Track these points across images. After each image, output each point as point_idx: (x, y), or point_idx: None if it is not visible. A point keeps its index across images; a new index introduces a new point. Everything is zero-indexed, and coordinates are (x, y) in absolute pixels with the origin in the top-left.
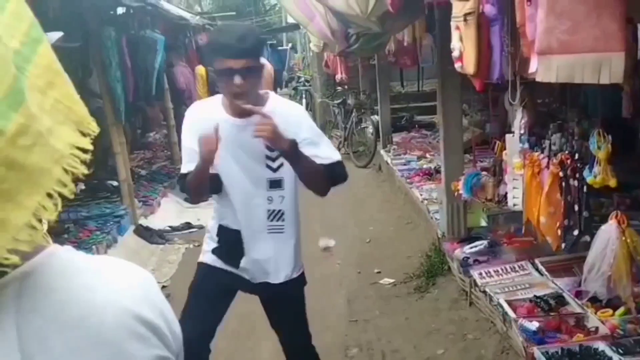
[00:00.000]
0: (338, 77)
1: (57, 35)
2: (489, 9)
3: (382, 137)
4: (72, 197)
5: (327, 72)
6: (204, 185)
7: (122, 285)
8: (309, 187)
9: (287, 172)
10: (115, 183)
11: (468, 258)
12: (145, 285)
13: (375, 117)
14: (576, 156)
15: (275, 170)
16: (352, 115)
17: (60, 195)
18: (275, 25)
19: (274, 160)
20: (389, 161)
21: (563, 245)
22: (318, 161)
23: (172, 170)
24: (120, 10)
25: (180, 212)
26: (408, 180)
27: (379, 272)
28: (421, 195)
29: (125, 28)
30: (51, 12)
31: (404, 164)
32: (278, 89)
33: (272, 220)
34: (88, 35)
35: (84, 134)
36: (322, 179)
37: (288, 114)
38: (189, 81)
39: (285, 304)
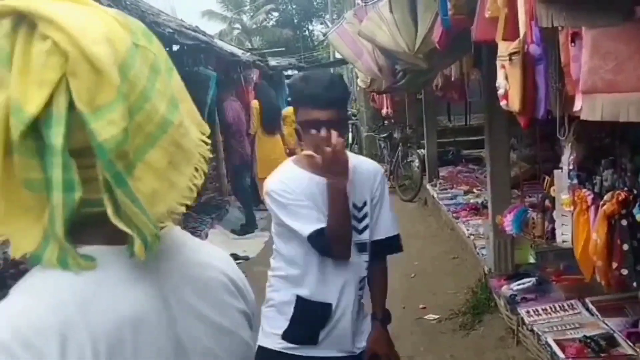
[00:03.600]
0: (384, 111)
1: None
2: (534, 49)
3: (428, 171)
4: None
5: (373, 106)
6: (346, 216)
7: (217, 254)
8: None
9: (369, 235)
10: None
11: (515, 295)
12: (230, 259)
13: (422, 151)
14: (634, 192)
15: (360, 232)
16: (398, 149)
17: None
18: (324, 60)
19: (360, 220)
20: (435, 195)
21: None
22: (389, 234)
23: (220, 202)
24: (175, 47)
25: (226, 243)
26: (454, 215)
27: (424, 308)
28: (467, 230)
29: (180, 64)
30: None
31: (451, 199)
32: None
33: (360, 289)
34: None
35: (202, 134)
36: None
37: (372, 171)
38: (237, 115)
39: None
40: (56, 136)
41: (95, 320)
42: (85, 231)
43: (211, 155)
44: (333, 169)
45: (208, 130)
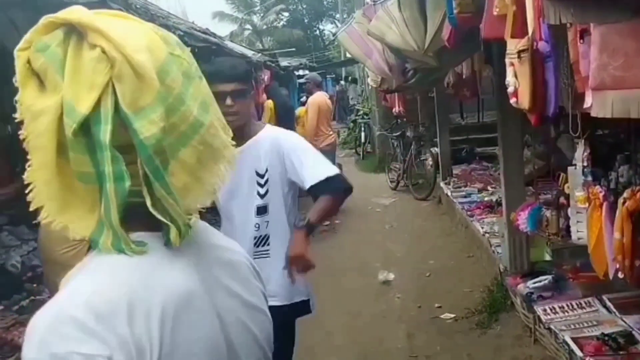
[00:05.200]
0: (396, 110)
1: None
2: (543, 46)
3: (441, 170)
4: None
5: (385, 105)
6: None
7: (234, 242)
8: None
9: (272, 198)
10: None
11: (532, 293)
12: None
13: (435, 149)
14: None
15: (263, 195)
16: (411, 148)
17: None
18: (335, 59)
19: (262, 186)
20: (449, 194)
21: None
22: (318, 179)
23: None
24: None
25: None
26: (469, 213)
27: (439, 307)
28: (482, 228)
29: None
30: None
31: (465, 197)
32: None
33: (258, 247)
34: None
35: (227, 136)
36: (335, 207)
37: (277, 140)
38: (254, 116)
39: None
40: (104, 133)
41: (154, 293)
42: (130, 219)
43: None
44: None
45: (231, 133)
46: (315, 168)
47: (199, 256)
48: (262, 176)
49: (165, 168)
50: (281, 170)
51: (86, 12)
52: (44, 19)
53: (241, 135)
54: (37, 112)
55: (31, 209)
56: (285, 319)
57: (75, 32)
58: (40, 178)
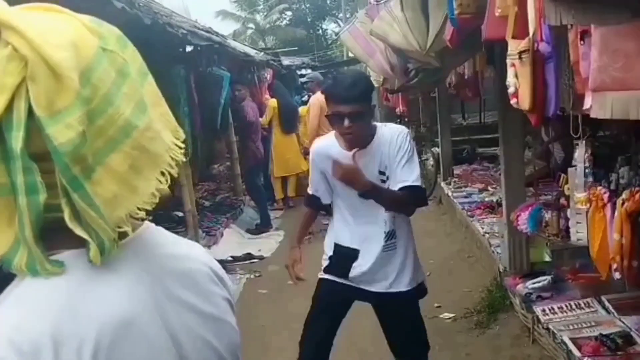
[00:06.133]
0: (398, 109)
1: None
2: (544, 47)
3: (442, 170)
4: (176, 176)
5: (387, 105)
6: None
7: (193, 247)
8: (393, 211)
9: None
10: (180, 214)
11: (531, 294)
12: (203, 250)
13: (436, 149)
14: None
15: None
16: None
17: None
18: (337, 59)
19: (385, 182)
20: (450, 194)
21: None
22: (403, 184)
23: (235, 202)
24: (189, 48)
25: (242, 243)
26: (469, 214)
27: (439, 307)
28: (482, 228)
29: (193, 65)
30: None
31: (465, 197)
32: None
33: (387, 240)
34: (158, 73)
35: (177, 139)
36: (404, 204)
37: (390, 137)
38: (256, 115)
39: (398, 314)
40: (15, 140)
41: (85, 323)
42: (57, 236)
43: (184, 159)
44: (346, 181)
45: (183, 136)
46: (412, 171)
47: (147, 270)
48: (384, 173)
49: (88, 176)
50: (392, 166)
51: (3, 6)
52: None
53: (360, 141)
54: None
55: None
56: (413, 300)
57: None
58: None
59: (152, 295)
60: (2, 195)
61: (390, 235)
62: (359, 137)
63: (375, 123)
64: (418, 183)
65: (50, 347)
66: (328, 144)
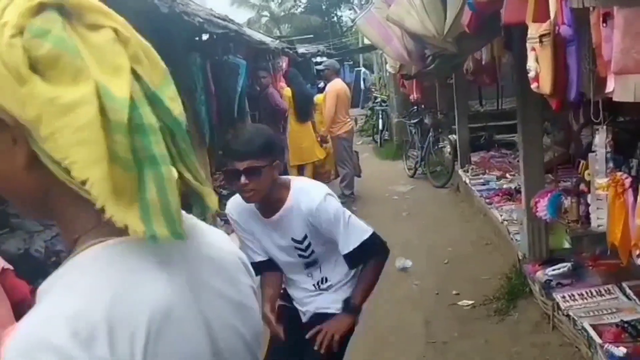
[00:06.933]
0: (414, 96)
1: None
2: (565, 30)
3: (460, 157)
4: None
5: (403, 92)
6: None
7: (223, 236)
8: (379, 273)
9: (319, 252)
10: None
11: (551, 281)
12: (230, 239)
13: (453, 137)
14: None
15: (308, 256)
16: (429, 135)
17: None
18: (352, 46)
19: (304, 250)
20: (467, 181)
21: None
22: (353, 247)
23: None
24: (205, 36)
25: None
26: (487, 201)
27: (457, 294)
28: (501, 215)
29: (209, 53)
30: None
31: (483, 184)
32: (354, 109)
33: (318, 288)
34: (174, 61)
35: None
36: (376, 276)
37: (308, 210)
38: (282, 101)
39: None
40: (147, 116)
41: (138, 310)
42: (106, 227)
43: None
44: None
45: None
46: (348, 236)
47: (184, 258)
48: (301, 242)
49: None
50: (318, 234)
51: None
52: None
53: (268, 204)
54: (69, 104)
55: (97, 207)
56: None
57: (64, 13)
58: (95, 174)
59: (193, 284)
60: (129, 171)
61: (320, 283)
62: (256, 194)
63: (291, 182)
64: (363, 239)
65: (106, 332)
66: (242, 204)
